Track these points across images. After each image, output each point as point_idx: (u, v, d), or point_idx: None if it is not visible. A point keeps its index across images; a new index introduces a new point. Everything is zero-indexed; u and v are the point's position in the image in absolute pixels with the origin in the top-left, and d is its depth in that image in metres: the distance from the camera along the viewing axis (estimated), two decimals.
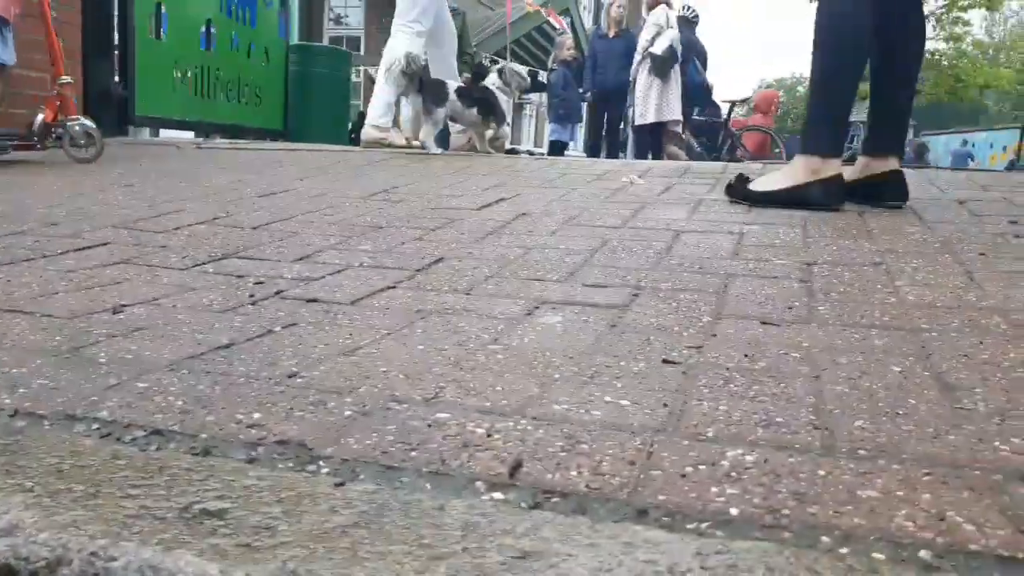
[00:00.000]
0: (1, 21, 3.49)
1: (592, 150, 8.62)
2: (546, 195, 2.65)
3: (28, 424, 0.87)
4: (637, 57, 7.59)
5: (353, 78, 9.18)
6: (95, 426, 0.86)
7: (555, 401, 0.93)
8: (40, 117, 3.62)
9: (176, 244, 1.85)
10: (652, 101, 7.46)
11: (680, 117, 7.57)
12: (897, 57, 2.36)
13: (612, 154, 8.27)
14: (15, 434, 0.84)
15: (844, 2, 2.21)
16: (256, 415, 0.88)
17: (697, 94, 8.44)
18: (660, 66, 7.25)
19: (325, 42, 14.44)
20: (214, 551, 0.61)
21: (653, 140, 7.65)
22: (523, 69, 5.12)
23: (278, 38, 7.15)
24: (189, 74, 5.91)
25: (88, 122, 3.65)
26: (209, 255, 1.74)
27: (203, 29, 6.17)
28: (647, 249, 1.82)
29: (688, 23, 8.29)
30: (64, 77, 3.66)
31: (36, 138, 3.70)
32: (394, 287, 1.49)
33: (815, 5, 2.28)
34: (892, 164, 2.41)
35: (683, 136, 8.02)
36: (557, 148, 9.32)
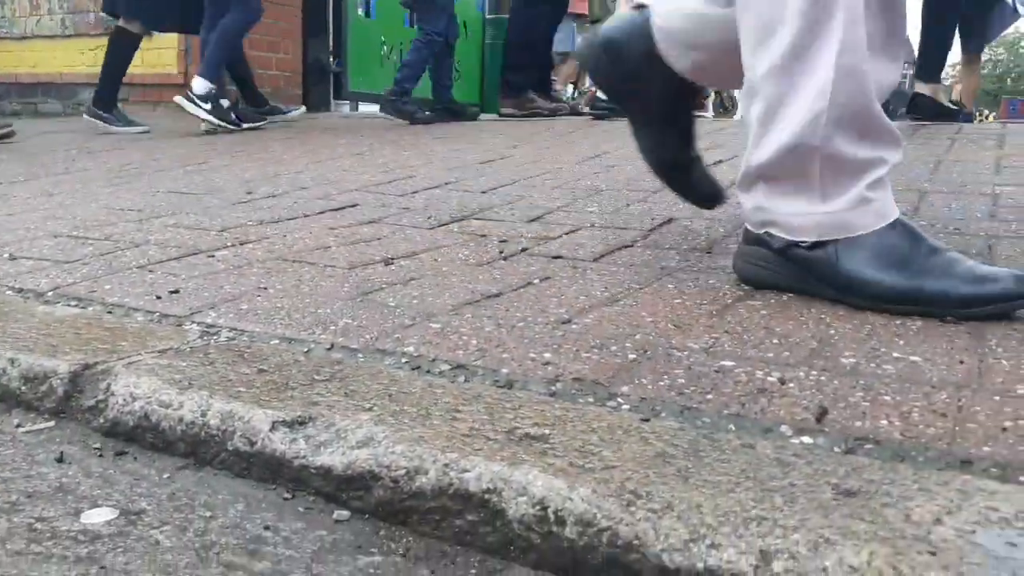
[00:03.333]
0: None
1: None
2: None
3: (345, 356, 0.97)
4: None
5: None
6: (403, 360, 0.95)
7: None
8: None
9: (417, 206, 1.97)
10: None
11: None
12: None
13: None
14: (337, 364, 0.93)
15: None
16: (547, 355, 0.93)
17: None
18: None
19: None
20: (554, 469, 0.65)
21: None
22: None
23: (476, 12, 7.34)
24: (394, 51, 6.20)
25: None
26: (451, 216, 1.84)
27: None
28: None
29: None
30: None
31: None
32: (631, 246, 1.52)
33: None
34: None
35: None
36: None
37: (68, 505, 0.72)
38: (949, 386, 0.82)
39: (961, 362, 0.89)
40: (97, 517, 0.70)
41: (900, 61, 1.16)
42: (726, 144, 2.75)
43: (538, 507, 0.63)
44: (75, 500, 0.73)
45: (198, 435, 0.81)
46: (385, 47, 6.05)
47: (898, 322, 1.03)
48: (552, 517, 0.62)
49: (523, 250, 1.50)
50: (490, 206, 1.94)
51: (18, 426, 0.90)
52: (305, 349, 0.99)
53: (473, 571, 0.64)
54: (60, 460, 0.81)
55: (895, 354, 0.92)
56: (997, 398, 0.79)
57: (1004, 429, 0.73)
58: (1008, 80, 31.48)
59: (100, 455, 0.83)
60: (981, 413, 0.76)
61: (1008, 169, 2.22)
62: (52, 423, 0.90)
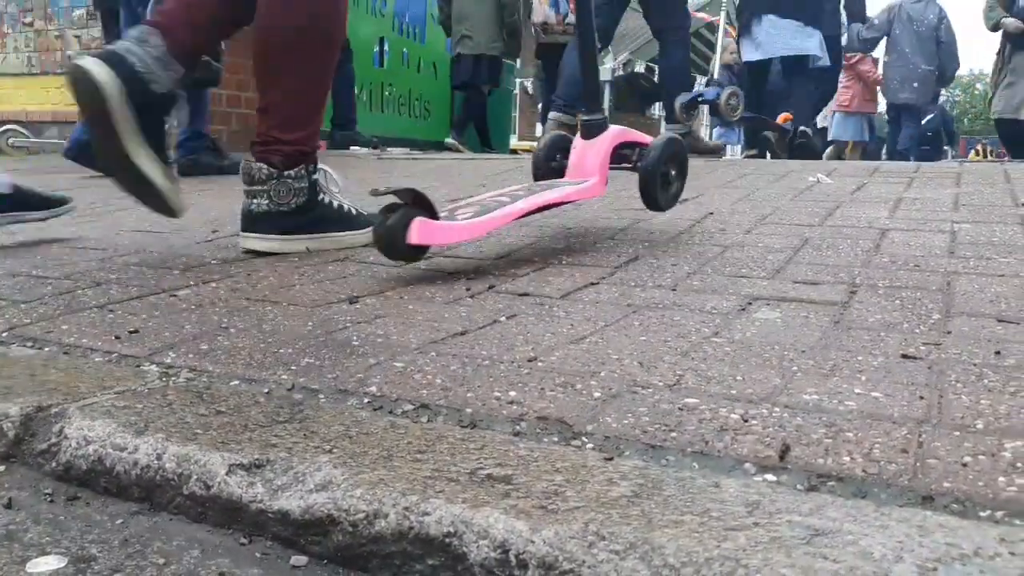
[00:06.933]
0: None
1: None
2: (730, 195, 2.61)
3: (305, 396, 0.95)
4: None
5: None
6: (366, 400, 0.93)
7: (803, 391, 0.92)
8: None
9: None
10: None
11: None
12: None
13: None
14: (297, 405, 0.92)
15: None
16: (512, 393, 0.93)
17: None
18: None
19: None
20: (516, 511, 0.65)
21: None
22: None
23: (445, 53, 7.41)
24: (365, 91, 6.23)
25: None
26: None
27: (376, 48, 6.49)
28: (854, 247, 1.76)
29: None
30: None
31: None
32: (597, 283, 1.52)
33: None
34: None
35: None
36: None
37: (14, 553, 0.70)
38: (910, 422, 0.83)
39: (921, 398, 0.89)
40: (44, 566, 0.68)
41: None
42: None
43: (499, 550, 0.62)
44: (22, 548, 0.71)
45: (153, 479, 0.79)
46: (356, 88, 6.07)
47: (860, 359, 1.04)
48: (514, 560, 0.61)
49: (490, 288, 1.50)
50: (457, 243, 1.94)
51: None
52: (265, 390, 0.98)
53: None
54: (8, 506, 0.79)
55: (857, 390, 0.92)
56: (957, 433, 0.79)
57: (964, 464, 0.73)
58: (965, 120, 32.45)
59: (51, 500, 0.81)
60: (942, 449, 0.76)
61: (965, 207, 2.27)
62: (2, 468, 0.88)
